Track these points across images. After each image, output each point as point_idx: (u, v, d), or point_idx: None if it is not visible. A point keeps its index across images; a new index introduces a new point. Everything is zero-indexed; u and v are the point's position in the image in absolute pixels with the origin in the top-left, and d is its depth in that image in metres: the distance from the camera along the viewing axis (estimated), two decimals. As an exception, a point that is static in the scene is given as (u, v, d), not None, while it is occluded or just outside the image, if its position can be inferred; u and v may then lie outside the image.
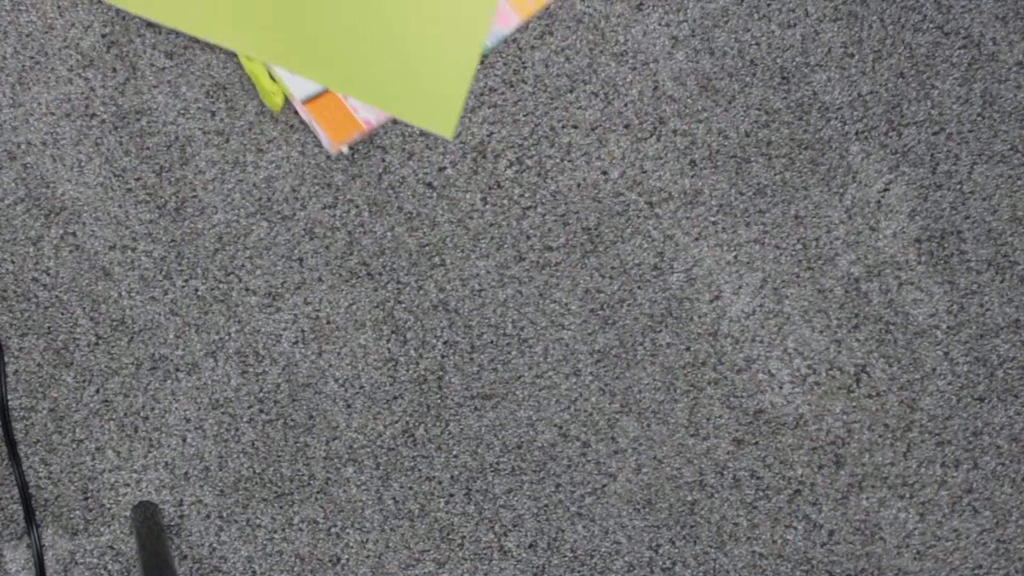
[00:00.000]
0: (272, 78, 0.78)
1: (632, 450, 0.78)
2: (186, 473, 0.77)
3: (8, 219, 0.79)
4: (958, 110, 0.80)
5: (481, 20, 0.77)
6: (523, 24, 0.79)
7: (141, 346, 0.78)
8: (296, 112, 0.79)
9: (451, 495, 0.77)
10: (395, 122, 0.78)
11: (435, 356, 0.78)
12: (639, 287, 0.79)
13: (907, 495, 0.78)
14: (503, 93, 0.79)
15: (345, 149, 0.78)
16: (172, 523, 0.77)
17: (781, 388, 0.78)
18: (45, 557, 0.76)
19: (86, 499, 0.77)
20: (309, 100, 0.77)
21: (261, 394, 0.78)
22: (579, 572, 0.77)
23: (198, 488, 0.77)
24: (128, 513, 0.77)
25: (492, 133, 0.79)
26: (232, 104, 0.79)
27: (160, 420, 0.77)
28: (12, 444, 0.76)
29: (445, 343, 0.78)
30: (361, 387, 0.78)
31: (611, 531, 0.77)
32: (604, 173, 0.79)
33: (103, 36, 0.79)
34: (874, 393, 0.78)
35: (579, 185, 0.79)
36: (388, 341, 0.78)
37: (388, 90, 0.77)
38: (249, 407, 0.77)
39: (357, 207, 0.79)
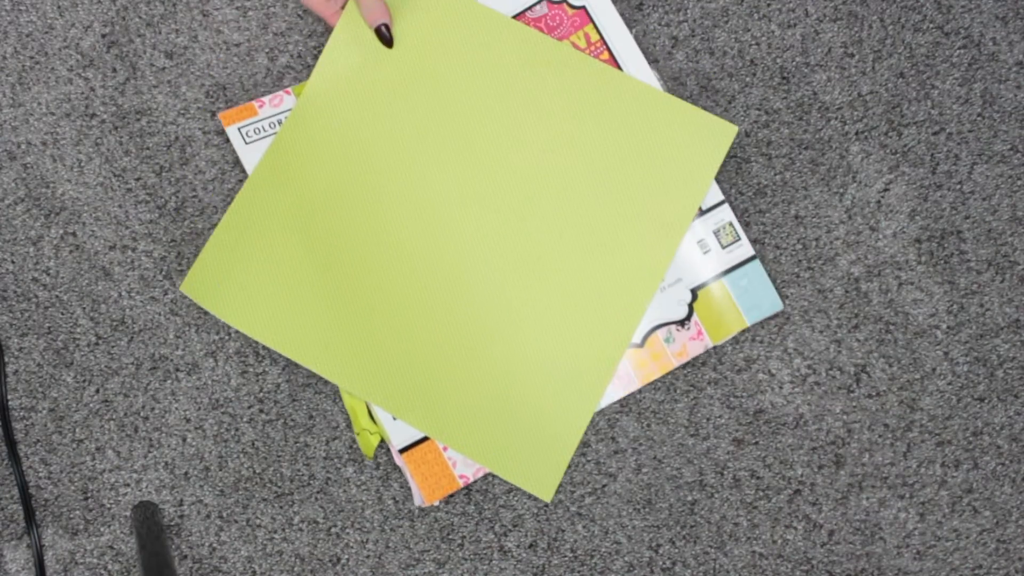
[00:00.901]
0: (372, 418, 0.75)
1: (632, 450, 0.78)
2: (186, 473, 0.77)
3: (8, 219, 0.79)
4: (958, 110, 0.80)
5: (597, 389, 0.74)
6: (641, 388, 0.77)
7: (141, 346, 0.78)
8: (389, 455, 0.77)
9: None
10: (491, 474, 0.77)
11: (435, 356, 0.78)
12: (639, 287, 0.79)
13: (907, 495, 0.78)
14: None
15: (437, 502, 0.76)
16: (172, 523, 0.77)
17: (781, 388, 0.78)
18: (45, 557, 0.76)
19: (86, 499, 0.77)
20: (406, 449, 0.74)
21: (261, 394, 0.78)
22: (579, 572, 0.77)
23: (198, 488, 0.77)
24: (128, 513, 0.77)
25: (492, 133, 0.78)
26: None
27: (160, 420, 0.77)
28: (12, 444, 0.76)
29: (445, 343, 0.78)
30: (361, 387, 0.78)
31: (611, 531, 0.77)
32: (604, 173, 0.79)
33: (103, 36, 0.79)
34: (874, 393, 0.78)
35: (579, 185, 0.79)
36: (388, 341, 0.78)
37: (493, 447, 0.73)
38: (249, 407, 0.77)
39: (357, 207, 0.78)
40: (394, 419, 0.74)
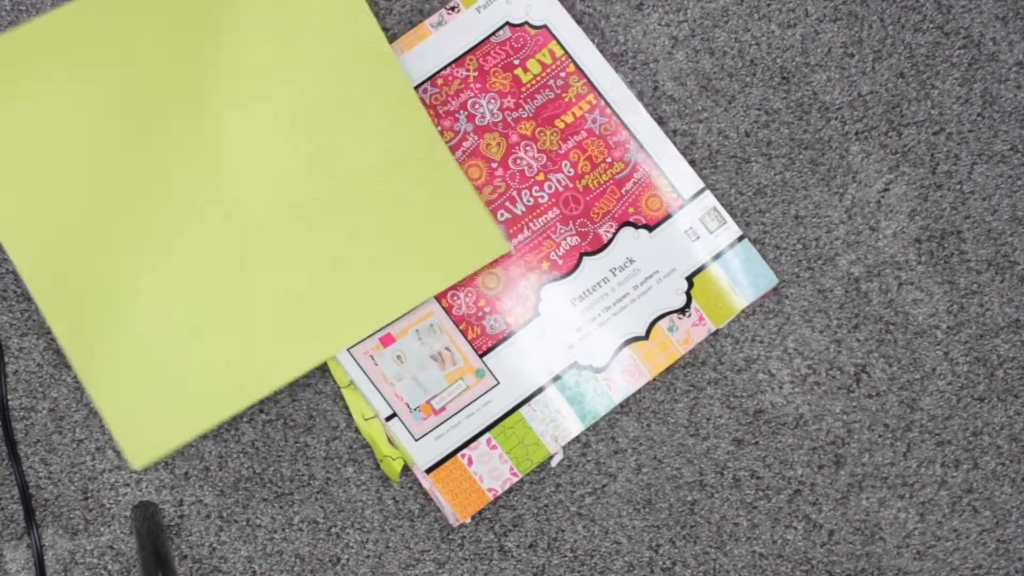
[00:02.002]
0: (391, 442, 0.75)
1: (632, 450, 0.78)
2: (186, 473, 0.77)
3: (8, 219, 0.79)
4: (958, 110, 0.80)
5: (251, 392, 0.72)
6: (652, 381, 0.77)
7: (141, 346, 0.78)
8: (416, 479, 0.77)
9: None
10: (512, 490, 0.76)
11: (435, 356, 0.78)
12: (639, 287, 0.79)
13: (907, 495, 0.78)
14: (503, 93, 0.78)
15: (468, 520, 0.76)
16: (172, 523, 0.77)
17: (781, 388, 0.78)
18: (45, 557, 0.76)
19: (86, 499, 0.77)
20: (432, 469, 0.75)
21: (261, 394, 0.78)
22: (579, 572, 0.77)
23: (198, 488, 0.77)
24: (128, 513, 0.77)
25: (492, 133, 0.78)
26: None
27: (160, 420, 0.77)
28: (12, 444, 0.76)
29: (445, 343, 0.78)
30: (361, 387, 0.78)
31: (611, 531, 0.77)
32: (604, 173, 0.79)
33: (103, 36, 0.79)
34: (874, 393, 0.78)
35: (579, 185, 0.79)
36: (388, 341, 0.78)
37: (123, 387, 0.71)
38: (249, 407, 0.77)
39: (357, 207, 0.78)
40: (415, 442, 0.74)
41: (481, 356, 0.76)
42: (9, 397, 0.77)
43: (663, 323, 0.76)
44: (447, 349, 0.76)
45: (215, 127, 0.73)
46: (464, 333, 0.76)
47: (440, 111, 0.78)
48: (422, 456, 0.74)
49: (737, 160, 0.80)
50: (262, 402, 0.77)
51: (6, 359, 0.77)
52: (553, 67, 0.78)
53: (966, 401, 0.79)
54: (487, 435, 0.75)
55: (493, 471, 0.75)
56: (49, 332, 0.78)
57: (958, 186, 0.80)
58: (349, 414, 0.77)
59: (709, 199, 0.77)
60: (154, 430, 0.71)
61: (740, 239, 0.77)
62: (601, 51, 0.80)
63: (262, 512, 0.77)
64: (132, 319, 0.72)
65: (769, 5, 0.80)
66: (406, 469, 0.77)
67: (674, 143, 0.79)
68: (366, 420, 0.75)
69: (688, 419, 0.78)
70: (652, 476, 0.78)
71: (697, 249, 0.77)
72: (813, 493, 0.78)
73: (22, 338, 0.78)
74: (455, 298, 0.76)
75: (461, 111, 0.78)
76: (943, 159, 0.80)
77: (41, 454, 0.77)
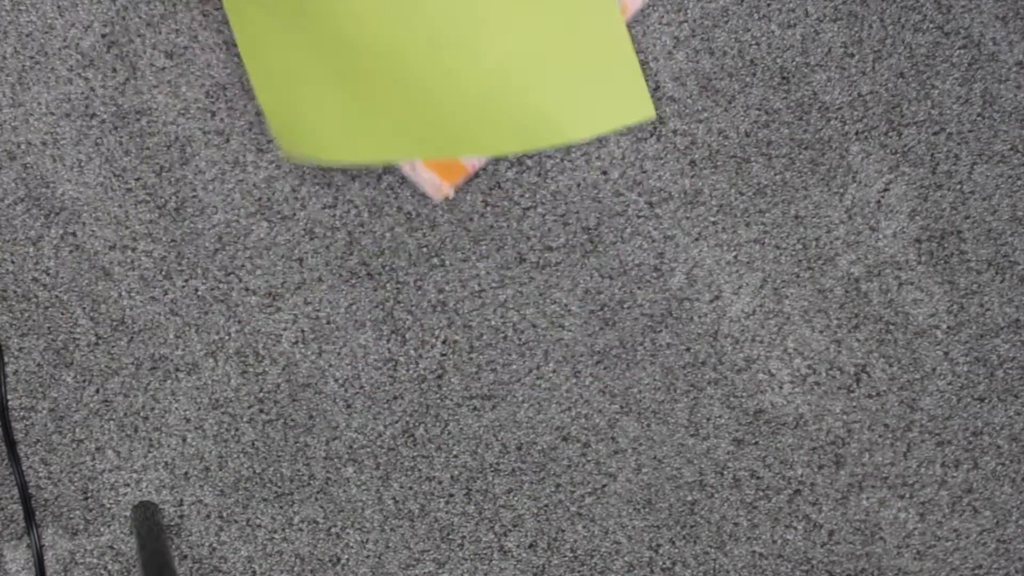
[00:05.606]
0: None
1: (632, 450, 0.78)
2: (186, 473, 0.77)
3: (8, 219, 0.79)
4: (958, 110, 0.80)
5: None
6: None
7: (141, 346, 0.78)
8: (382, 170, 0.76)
9: (451, 495, 0.77)
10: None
11: (435, 356, 0.78)
12: (639, 287, 0.79)
13: (907, 495, 0.78)
14: (503, 93, 0.78)
15: (452, 194, 0.75)
16: (172, 523, 0.77)
17: (781, 388, 0.78)
18: (45, 557, 0.76)
19: (86, 499, 0.77)
20: None
21: (261, 394, 0.78)
22: (579, 572, 0.77)
23: (198, 488, 0.77)
24: (128, 513, 0.77)
25: (492, 133, 0.79)
26: (232, 104, 0.79)
27: (160, 420, 0.77)
28: (12, 444, 0.76)
29: (444, 343, 0.78)
30: (361, 387, 0.78)
31: (611, 531, 0.77)
32: (604, 173, 0.79)
33: (103, 36, 0.79)
34: (874, 393, 0.78)
35: (579, 185, 0.79)
36: (388, 341, 0.78)
37: (545, 117, 0.71)
38: (249, 407, 0.77)
39: (356, 207, 0.79)
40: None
41: None
42: (9, 397, 0.77)
43: None
44: None
45: None
46: None
47: None
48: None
49: (737, 160, 0.80)
50: (262, 402, 0.77)
51: (6, 359, 0.77)
52: None
53: (966, 401, 0.79)
54: None
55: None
56: (49, 332, 0.78)
57: (958, 186, 0.80)
58: (348, 407, 0.77)
59: None
60: (615, 88, 0.73)
61: None
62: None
63: (262, 512, 0.77)
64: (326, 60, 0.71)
65: (769, 5, 0.80)
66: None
67: (674, 143, 0.79)
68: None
69: (688, 419, 0.78)
70: (652, 476, 0.78)
71: None
72: (813, 493, 0.78)
73: (22, 338, 0.78)
74: None
75: None
76: (943, 159, 0.80)
77: (41, 454, 0.77)
